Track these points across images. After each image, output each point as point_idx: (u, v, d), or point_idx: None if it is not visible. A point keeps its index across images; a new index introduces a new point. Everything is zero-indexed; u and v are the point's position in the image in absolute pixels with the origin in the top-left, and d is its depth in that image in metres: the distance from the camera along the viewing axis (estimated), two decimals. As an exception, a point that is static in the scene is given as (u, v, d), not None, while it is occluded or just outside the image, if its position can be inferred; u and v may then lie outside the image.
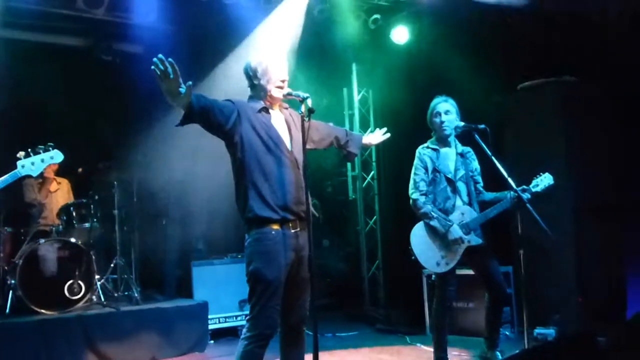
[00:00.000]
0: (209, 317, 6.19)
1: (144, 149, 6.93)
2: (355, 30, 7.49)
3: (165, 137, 7.18)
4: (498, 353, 4.65)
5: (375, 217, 8.47)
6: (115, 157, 6.58)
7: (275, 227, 3.33)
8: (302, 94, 3.39)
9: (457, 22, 6.88)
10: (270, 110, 3.55)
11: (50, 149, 3.57)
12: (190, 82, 3.16)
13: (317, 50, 7.59)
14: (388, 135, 4.08)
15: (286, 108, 3.67)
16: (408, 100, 7.47)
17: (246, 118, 3.42)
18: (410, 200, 4.66)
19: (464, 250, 4.50)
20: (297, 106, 3.42)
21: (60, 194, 6.77)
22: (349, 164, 8.61)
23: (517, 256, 4.49)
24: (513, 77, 6.48)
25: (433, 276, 4.57)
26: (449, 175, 4.61)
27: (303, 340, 3.54)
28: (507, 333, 5.90)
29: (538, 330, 5.60)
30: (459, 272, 4.78)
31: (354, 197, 8.55)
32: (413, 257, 4.56)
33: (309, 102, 3.35)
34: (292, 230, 3.38)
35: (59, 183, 6.80)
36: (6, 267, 5.84)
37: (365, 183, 8.53)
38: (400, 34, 7.48)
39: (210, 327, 6.24)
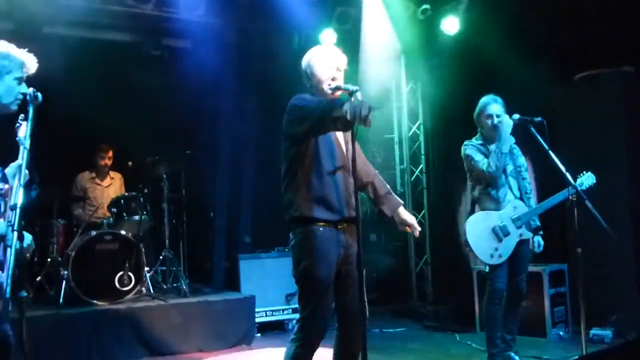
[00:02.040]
0: (256, 310, 6.19)
1: (192, 143, 6.99)
2: (404, 21, 7.37)
3: (213, 130, 7.25)
4: (513, 354, 4.60)
5: (423, 211, 8.34)
6: (164, 150, 6.61)
7: (323, 224, 3.25)
8: (352, 87, 3.26)
9: (508, 11, 6.67)
10: None
11: None
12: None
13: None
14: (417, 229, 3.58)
15: None
16: (458, 92, 7.30)
17: None
18: (485, 174, 4.53)
19: (516, 243, 4.52)
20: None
21: (113, 189, 6.86)
22: (397, 157, 8.51)
23: (574, 254, 4.33)
24: (568, 67, 6.27)
25: (487, 268, 4.50)
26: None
27: (359, 345, 3.26)
28: (561, 333, 5.72)
29: (594, 331, 5.42)
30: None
31: (402, 190, 8.44)
32: (468, 248, 4.56)
33: (359, 95, 3.26)
34: (339, 226, 3.29)
35: (112, 178, 6.89)
36: (60, 259, 5.97)
37: (413, 177, 8.41)
38: (451, 24, 7.30)
39: (257, 320, 6.24)
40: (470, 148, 4.67)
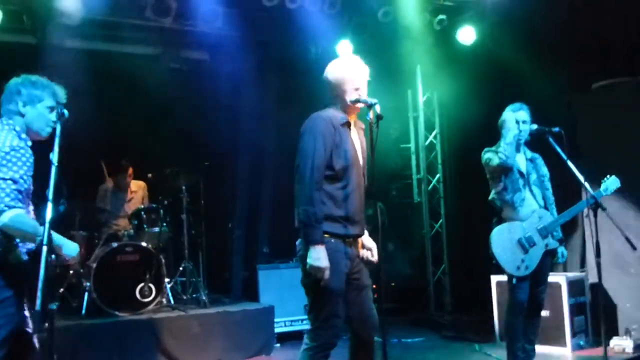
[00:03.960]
0: (275, 320, 6.23)
1: (211, 154, 7.05)
2: (420, 31, 7.39)
3: (231, 142, 7.31)
4: None
5: (440, 220, 8.34)
6: (183, 162, 6.68)
7: (330, 236, 3.29)
8: (370, 100, 3.34)
9: (525, 20, 6.69)
10: (351, 126, 3.49)
11: None
12: None
13: (382, 51, 7.52)
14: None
15: (362, 128, 3.59)
16: (474, 101, 7.32)
17: (337, 133, 3.37)
18: (500, 166, 4.54)
19: (542, 253, 4.50)
20: (365, 112, 3.40)
21: (134, 201, 6.90)
22: (413, 166, 8.53)
23: (593, 264, 4.34)
24: (585, 76, 6.27)
25: (514, 280, 4.48)
26: (522, 170, 4.60)
27: (372, 352, 3.42)
28: (581, 343, 5.69)
29: (615, 341, 5.39)
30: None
31: (419, 200, 8.46)
32: (494, 262, 4.53)
33: (378, 108, 3.31)
34: (347, 240, 3.35)
35: (133, 191, 6.92)
36: (81, 270, 6.04)
37: (430, 186, 8.41)
38: (467, 34, 7.32)
39: (276, 330, 6.27)
40: (489, 152, 4.67)
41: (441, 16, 7.28)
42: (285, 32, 7.09)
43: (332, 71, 3.50)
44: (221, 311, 5.99)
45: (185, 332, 5.65)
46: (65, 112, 3.02)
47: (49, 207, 2.66)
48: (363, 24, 7.30)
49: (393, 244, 8.50)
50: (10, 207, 2.78)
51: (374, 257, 3.52)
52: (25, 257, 2.89)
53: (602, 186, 4.48)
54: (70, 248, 3.07)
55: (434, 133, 8.48)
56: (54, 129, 2.99)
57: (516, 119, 4.56)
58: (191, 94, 7.21)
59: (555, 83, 6.34)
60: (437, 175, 8.43)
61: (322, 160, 3.28)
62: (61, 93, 3.18)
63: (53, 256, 2.69)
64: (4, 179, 2.80)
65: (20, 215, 2.81)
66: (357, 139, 3.51)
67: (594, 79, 6.16)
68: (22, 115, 3.06)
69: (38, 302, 2.45)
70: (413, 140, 8.59)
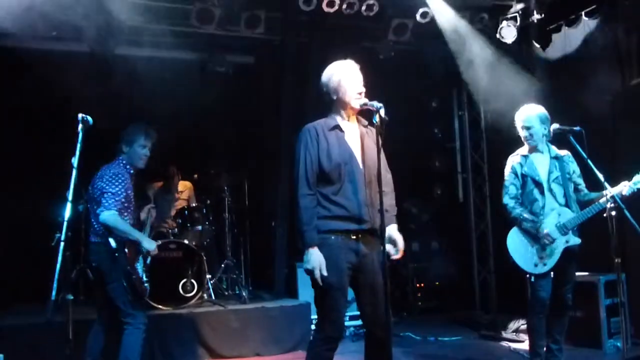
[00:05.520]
0: (313, 316, 6.38)
1: (254, 155, 7.28)
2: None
3: (274, 142, 7.52)
4: None
5: (486, 219, 8.27)
6: (227, 163, 6.94)
7: (335, 233, 3.41)
8: (377, 104, 3.42)
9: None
10: (345, 127, 3.59)
11: None
12: None
13: (425, 51, 7.55)
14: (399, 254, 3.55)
15: (365, 125, 3.68)
16: (519, 99, 7.22)
17: (322, 139, 3.52)
18: (502, 205, 4.65)
19: (562, 250, 4.46)
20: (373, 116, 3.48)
21: (180, 201, 7.21)
22: (459, 165, 8.50)
23: (617, 264, 4.27)
24: (626, 72, 6.13)
25: (532, 278, 4.49)
26: (537, 178, 4.58)
27: (387, 351, 3.39)
28: (619, 344, 5.56)
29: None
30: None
31: (463, 199, 8.42)
32: (511, 261, 4.56)
33: (382, 112, 3.40)
34: (353, 237, 3.44)
35: (180, 192, 7.24)
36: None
37: (476, 185, 8.35)
38: (508, 33, 7.24)
39: (313, 326, 6.42)
40: (510, 167, 4.70)
41: (483, 14, 7.24)
42: (326, 35, 7.22)
43: (332, 75, 3.60)
44: (259, 307, 6.22)
45: (224, 326, 5.90)
46: (89, 119, 3.29)
47: (68, 206, 2.92)
48: (404, 25, 7.34)
49: (437, 242, 8.51)
50: (108, 209, 4.03)
51: (395, 254, 3.51)
52: (114, 245, 4.21)
53: (634, 179, 4.35)
54: (147, 243, 4.41)
55: (479, 131, 8.41)
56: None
57: (521, 126, 4.65)
58: (236, 96, 7.45)
59: (598, 79, 6.21)
60: (483, 174, 8.36)
61: (309, 168, 3.45)
62: (152, 134, 4.35)
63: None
64: (108, 192, 4.09)
65: (114, 215, 4.08)
66: (356, 139, 3.60)
67: (635, 75, 6.02)
68: (125, 153, 4.30)
69: (53, 292, 2.70)
70: (458, 139, 8.56)
